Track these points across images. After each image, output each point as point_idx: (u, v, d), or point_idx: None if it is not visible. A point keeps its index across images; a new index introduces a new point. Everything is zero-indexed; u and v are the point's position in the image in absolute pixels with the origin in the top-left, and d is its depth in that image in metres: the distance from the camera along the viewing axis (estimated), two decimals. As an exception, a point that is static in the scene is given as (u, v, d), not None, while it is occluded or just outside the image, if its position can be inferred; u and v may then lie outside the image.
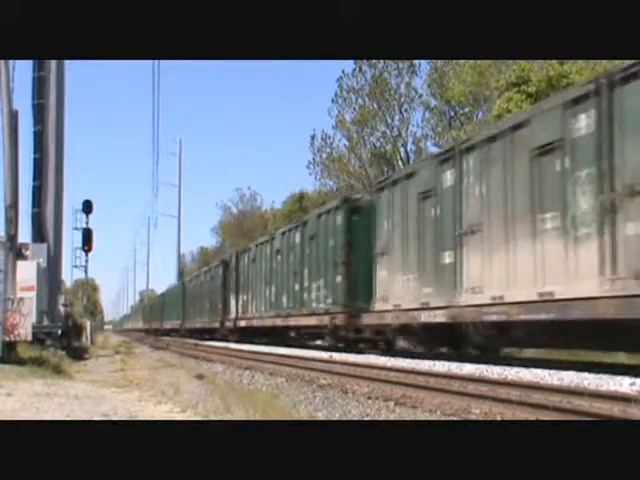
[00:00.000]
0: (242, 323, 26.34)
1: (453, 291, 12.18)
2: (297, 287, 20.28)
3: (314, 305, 18.79)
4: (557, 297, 9.55)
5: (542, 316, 9.88)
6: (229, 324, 28.26)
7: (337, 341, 17.58)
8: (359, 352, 15.90)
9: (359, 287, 16.15)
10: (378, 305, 15.03)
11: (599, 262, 8.80)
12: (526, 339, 11.44)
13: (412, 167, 15.15)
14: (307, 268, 19.56)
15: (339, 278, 16.98)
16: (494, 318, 11.05)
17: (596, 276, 8.82)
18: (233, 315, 27.81)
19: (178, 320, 42.40)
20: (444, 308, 12.32)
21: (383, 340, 15.78)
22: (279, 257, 22.34)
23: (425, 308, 12.97)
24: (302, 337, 21.35)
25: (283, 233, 22.46)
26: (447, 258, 12.48)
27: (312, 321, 18.82)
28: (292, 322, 20.65)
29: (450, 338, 13.40)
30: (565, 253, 9.49)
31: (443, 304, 12.37)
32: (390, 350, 15.24)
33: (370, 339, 16.25)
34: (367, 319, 15.52)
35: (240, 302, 26.94)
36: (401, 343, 15.26)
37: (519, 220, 10.52)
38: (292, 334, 22.13)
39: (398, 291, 14.21)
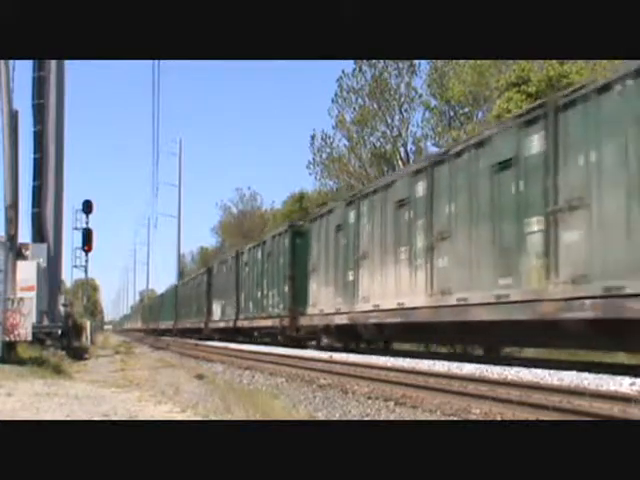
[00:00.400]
0: (221, 324, 30.76)
1: (352, 300, 16.35)
2: (259, 295, 24.58)
3: (270, 310, 23.09)
4: (405, 306, 13.73)
5: (397, 319, 14.19)
6: (212, 325, 32.67)
7: (285, 339, 21.41)
8: (302, 347, 19.50)
9: (300, 296, 19.95)
10: (310, 310, 19.25)
11: (425, 283, 13.17)
12: (393, 336, 16.34)
13: (331, 206, 18.92)
14: (266, 279, 23.85)
15: (286, 288, 21.24)
16: (374, 320, 15.29)
17: (424, 292, 13.16)
18: (215, 317, 32.26)
19: (171, 321, 47.00)
20: (347, 313, 16.54)
21: (315, 338, 19.69)
22: (247, 269, 26.85)
23: (337, 313, 17.15)
24: (263, 336, 25.38)
25: (249, 249, 26.92)
26: (350, 276, 16.66)
27: (269, 323, 22.98)
28: (255, 324, 24.99)
29: (352, 335, 17.30)
30: (410, 276, 13.80)
31: (347, 310, 16.55)
32: (318, 346, 19.23)
33: (307, 337, 20.21)
34: (303, 321, 19.89)
35: (219, 306, 31.57)
36: (325, 340, 19.24)
37: (389, 251, 14.75)
38: (256, 333, 26.27)
39: (323, 299, 18.40)
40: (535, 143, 10.41)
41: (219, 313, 31.52)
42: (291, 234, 21.32)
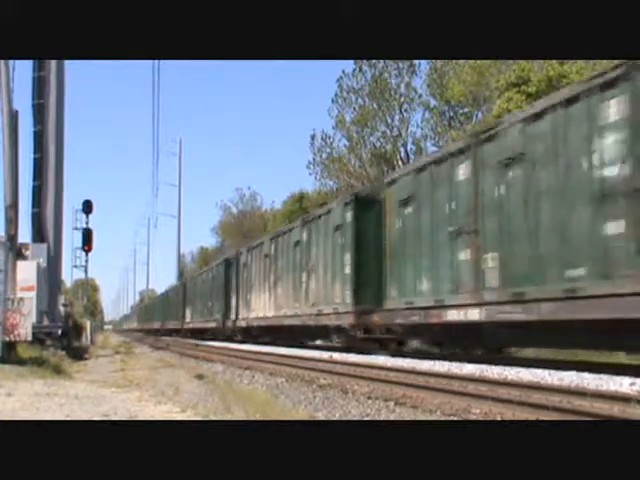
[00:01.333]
0: (190, 326, 38.06)
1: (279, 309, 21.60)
2: (209, 303, 32.73)
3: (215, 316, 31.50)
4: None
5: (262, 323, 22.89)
6: (186, 326, 39.56)
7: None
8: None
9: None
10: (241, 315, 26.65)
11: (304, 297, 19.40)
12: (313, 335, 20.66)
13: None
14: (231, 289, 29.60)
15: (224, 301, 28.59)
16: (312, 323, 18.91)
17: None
18: (187, 320, 39.58)
19: (159, 322, 54.20)
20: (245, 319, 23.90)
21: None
22: (213, 281, 32.31)
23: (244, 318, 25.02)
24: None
25: (211, 269, 33.76)
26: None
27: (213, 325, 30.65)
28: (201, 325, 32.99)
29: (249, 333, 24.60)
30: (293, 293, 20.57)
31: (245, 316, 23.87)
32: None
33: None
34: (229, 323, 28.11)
35: (189, 311, 38.71)
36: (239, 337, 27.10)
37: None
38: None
39: (260, 306, 24.01)
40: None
41: (189, 317, 39.35)
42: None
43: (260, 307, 23.78)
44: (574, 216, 9.51)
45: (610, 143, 8.88)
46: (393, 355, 14.00)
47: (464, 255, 11.71)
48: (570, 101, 9.56)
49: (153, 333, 54.70)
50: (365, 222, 15.86)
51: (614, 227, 8.78)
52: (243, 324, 25.75)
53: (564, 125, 9.67)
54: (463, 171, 11.58)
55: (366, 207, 15.94)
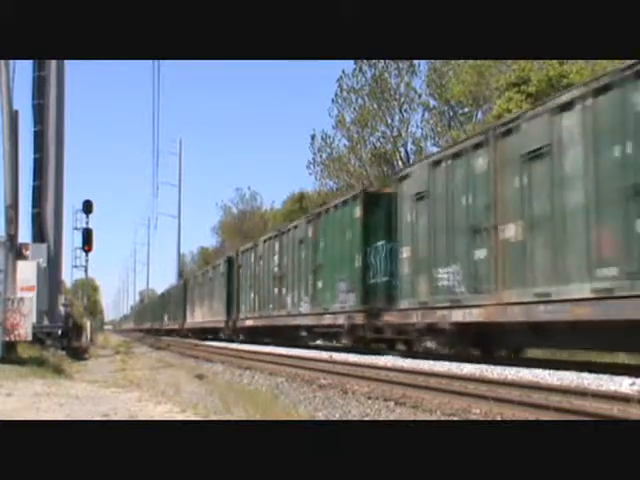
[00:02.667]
0: (189, 326, 39.29)
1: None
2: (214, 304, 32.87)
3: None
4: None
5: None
6: (187, 326, 40.36)
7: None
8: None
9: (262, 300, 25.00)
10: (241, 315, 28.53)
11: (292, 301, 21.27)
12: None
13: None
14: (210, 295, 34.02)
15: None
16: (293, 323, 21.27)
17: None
18: (188, 320, 39.85)
19: (150, 322, 60.59)
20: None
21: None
22: (206, 285, 34.66)
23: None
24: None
25: (203, 273, 36.83)
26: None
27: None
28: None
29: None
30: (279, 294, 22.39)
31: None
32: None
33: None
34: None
35: (189, 311, 39.48)
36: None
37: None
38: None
39: (243, 310, 27.16)
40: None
41: (189, 317, 40.97)
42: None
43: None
44: (456, 242, 12.39)
45: (477, 188, 11.90)
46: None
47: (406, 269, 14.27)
48: (456, 155, 12.69)
49: (146, 332, 61.49)
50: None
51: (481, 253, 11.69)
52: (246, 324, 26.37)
53: (452, 171, 12.64)
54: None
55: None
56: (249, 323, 25.37)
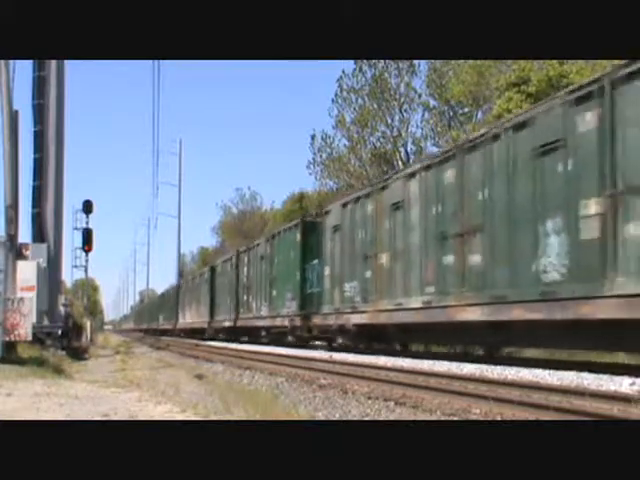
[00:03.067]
0: (182, 326, 42.08)
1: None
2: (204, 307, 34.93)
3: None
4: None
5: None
6: (179, 326, 43.34)
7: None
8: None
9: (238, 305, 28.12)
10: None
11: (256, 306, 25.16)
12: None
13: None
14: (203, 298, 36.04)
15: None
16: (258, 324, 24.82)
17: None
18: (180, 321, 43.10)
19: (147, 323, 64.45)
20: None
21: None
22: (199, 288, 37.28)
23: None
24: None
25: (192, 279, 40.71)
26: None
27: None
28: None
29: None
30: (247, 300, 26.07)
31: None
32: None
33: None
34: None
35: (181, 313, 42.84)
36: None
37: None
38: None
39: (221, 312, 30.66)
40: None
41: (181, 318, 44.06)
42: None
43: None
44: (356, 265, 16.36)
45: (368, 226, 16.05)
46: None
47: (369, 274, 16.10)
48: (355, 200, 16.79)
49: (145, 332, 64.70)
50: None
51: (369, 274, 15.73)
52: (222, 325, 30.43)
53: (354, 212, 16.82)
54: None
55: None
56: (226, 324, 29.14)
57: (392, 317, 14.50)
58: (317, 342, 19.80)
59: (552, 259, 10.04)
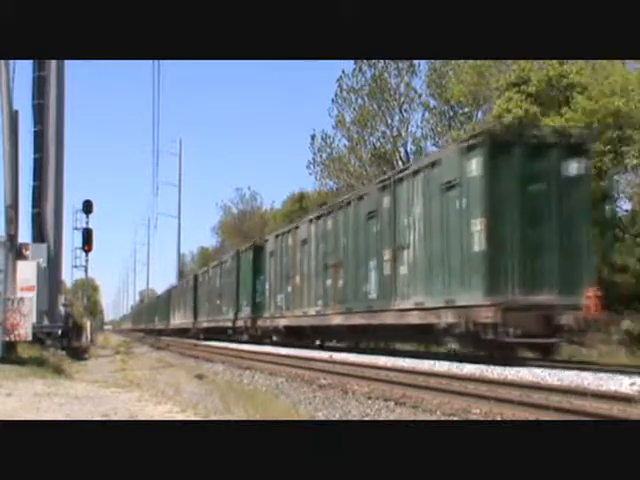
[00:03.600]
0: (173, 326, 46.15)
1: (222, 315, 30.48)
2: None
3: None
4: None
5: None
6: (170, 326, 47.42)
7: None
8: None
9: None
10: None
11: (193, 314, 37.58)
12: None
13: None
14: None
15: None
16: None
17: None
18: (171, 322, 47.38)
19: (144, 323, 68.89)
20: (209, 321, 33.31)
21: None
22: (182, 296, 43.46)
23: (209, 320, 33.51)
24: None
25: (181, 285, 46.20)
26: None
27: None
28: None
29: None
30: (220, 305, 32.00)
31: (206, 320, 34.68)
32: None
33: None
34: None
35: (172, 314, 47.10)
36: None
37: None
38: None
39: (202, 314, 35.80)
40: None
41: (173, 319, 47.29)
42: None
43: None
44: (283, 282, 22.08)
45: (289, 254, 21.99)
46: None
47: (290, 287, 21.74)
48: (285, 233, 22.51)
49: (143, 332, 68.08)
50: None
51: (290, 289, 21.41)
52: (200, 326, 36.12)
53: (282, 242, 22.61)
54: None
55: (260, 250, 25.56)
56: (205, 325, 34.87)
57: (301, 321, 20.40)
58: (266, 339, 24.46)
59: (372, 285, 15.59)
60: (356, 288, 16.20)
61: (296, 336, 21.30)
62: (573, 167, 11.84)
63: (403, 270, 13.90)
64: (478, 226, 11.44)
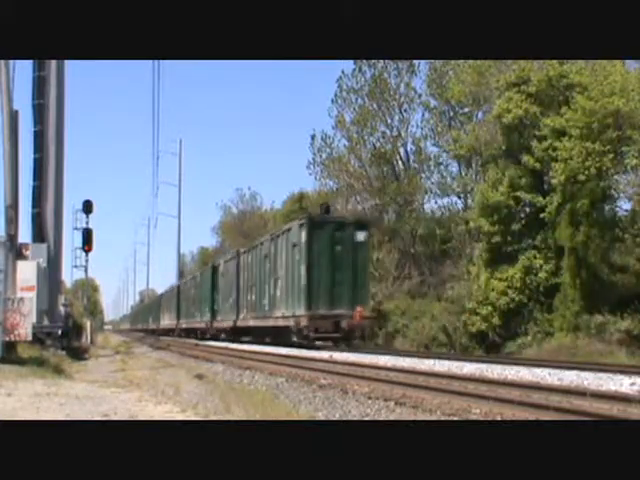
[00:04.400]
0: (162, 327, 52.91)
1: (194, 318, 38.49)
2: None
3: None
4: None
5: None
6: (160, 327, 54.41)
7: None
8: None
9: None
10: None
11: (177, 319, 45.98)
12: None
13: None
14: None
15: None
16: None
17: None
18: (161, 322, 54.77)
19: (141, 324, 75.78)
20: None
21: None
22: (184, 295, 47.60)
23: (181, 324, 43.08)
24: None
25: (168, 291, 54.27)
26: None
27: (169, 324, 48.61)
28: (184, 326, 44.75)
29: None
30: (193, 311, 40.66)
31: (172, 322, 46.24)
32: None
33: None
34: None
35: (161, 316, 54.69)
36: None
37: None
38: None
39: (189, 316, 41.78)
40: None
41: (162, 321, 54.76)
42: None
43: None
44: (244, 291, 26.81)
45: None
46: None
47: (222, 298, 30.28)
48: (227, 260, 30.79)
49: (139, 331, 74.66)
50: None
51: (249, 297, 26.57)
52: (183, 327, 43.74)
53: (226, 267, 31.23)
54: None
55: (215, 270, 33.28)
56: (184, 326, 42.25)
57: (237, 323, 27.01)
58: (221, 336, 30.44)
59: (266, 300, 22.74)
60: (260, 302, 23.72)
61: (236, 334, 27.92)
62: (360, 236, 19.67)
63: (278, 292, 21.60)
64: (303, 270, 19.26)
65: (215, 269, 33.07)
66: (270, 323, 22.28)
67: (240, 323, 26.44)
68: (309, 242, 19.17)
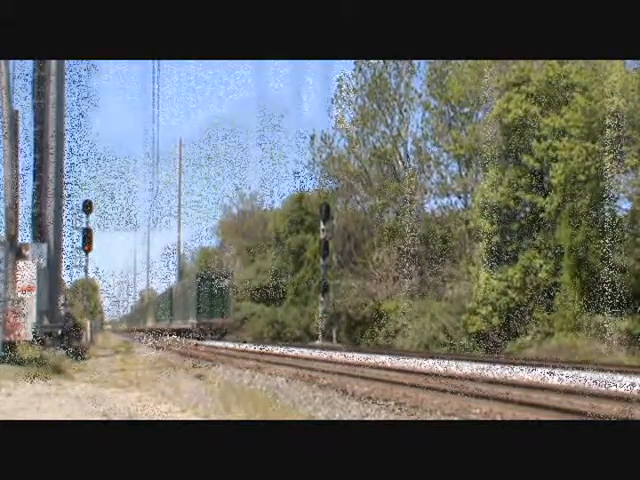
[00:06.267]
0: (147, 328, 60.27)
1: (162, 322, 53.48)
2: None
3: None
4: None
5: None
6: (146, 327, 62.90)
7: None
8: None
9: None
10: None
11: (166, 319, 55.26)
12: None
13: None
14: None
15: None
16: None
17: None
18: (147, 324, 64.19)
19: (136, 324, 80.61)
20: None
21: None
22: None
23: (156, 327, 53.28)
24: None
25: (154, 299, 69.22)
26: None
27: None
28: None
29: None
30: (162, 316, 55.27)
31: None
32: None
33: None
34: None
35: (148, 319, 64.68)
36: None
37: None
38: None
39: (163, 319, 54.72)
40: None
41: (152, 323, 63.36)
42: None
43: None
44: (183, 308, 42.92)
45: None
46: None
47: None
48: (203, 278, 39.85)
49: (138, 331, 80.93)
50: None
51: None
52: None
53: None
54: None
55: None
56: (174, 327, 48.22)
57: (179, 326, 39.22)
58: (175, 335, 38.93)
59: (189, 312, 38.49)
60: (186, 314, 37.83)
61: (180, 334, 37.96)
62: (224, 283, 35.50)
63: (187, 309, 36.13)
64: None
65: (186, 285, 44.44)
66: (187, 326, 37.56)
67: (174, 325, 42.39)
68: (199, 286, 36.00)
